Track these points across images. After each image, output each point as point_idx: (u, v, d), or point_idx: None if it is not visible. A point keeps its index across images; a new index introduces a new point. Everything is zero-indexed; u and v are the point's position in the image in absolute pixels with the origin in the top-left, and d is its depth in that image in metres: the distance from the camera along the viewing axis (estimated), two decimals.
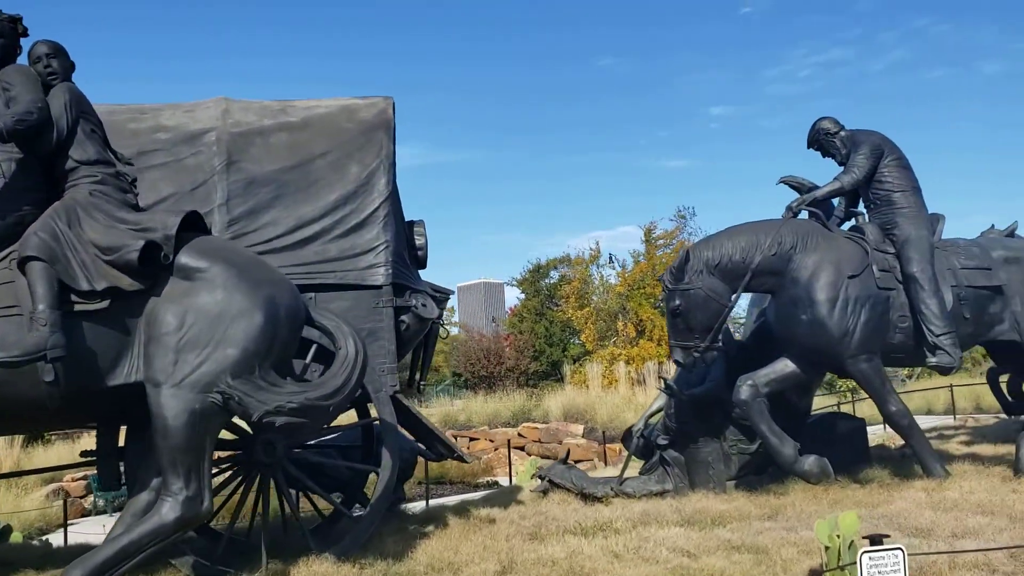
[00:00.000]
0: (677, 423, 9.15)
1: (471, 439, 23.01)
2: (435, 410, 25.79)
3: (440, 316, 7.77)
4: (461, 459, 8.50)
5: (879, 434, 15.93)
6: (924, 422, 19.17)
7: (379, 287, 6.91)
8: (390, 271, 6.94)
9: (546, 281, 44.32)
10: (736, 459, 9.07)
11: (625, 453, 10.29)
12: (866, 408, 23.32)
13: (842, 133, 8.78)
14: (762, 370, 8.26)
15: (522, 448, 21.72)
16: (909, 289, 7.96)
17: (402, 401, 7.10)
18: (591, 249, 39.52)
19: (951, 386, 18.91)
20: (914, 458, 8.28)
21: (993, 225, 10.70)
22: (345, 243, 6.95)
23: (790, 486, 8.29)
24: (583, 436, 21.21)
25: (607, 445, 18.82)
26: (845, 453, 9.67)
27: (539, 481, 9.82)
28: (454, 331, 47.84)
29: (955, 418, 17.80)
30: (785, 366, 8.23)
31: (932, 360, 7.93)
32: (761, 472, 9.15)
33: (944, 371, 7.95)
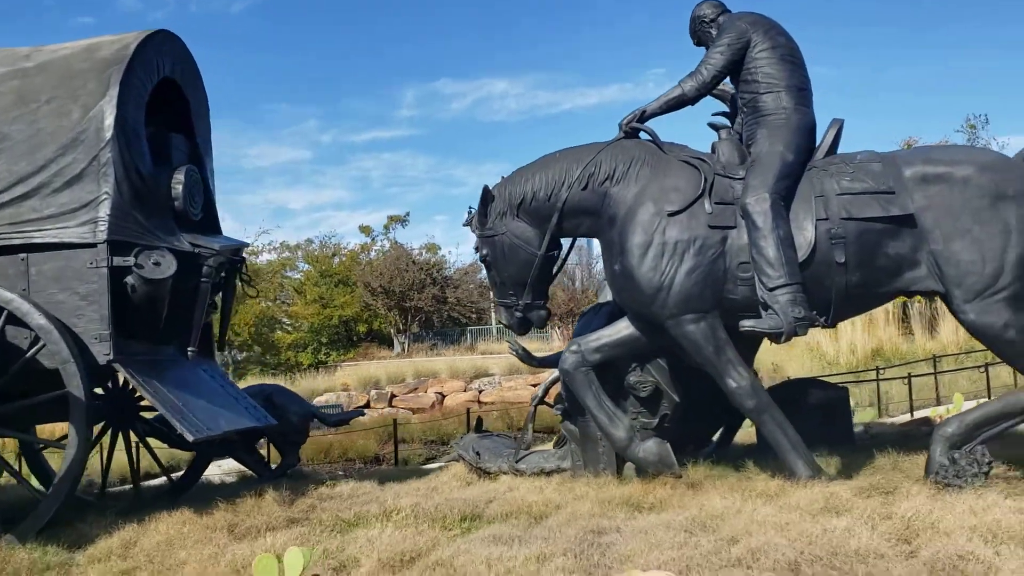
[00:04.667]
0: (566, 391, 7.63)
1: None
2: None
3: (212, 275, 6.95)
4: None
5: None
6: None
7: (93, 245, 6.30)
8: (105, 227, 6.29)
9: None
10: (639, 436, 7.40)
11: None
12: None
13: (720, 19, 6.52)
14: (594, 333, 6.55)
15: None
16: (747, 227, 5.84)
17: (130, 372, 6.42)
18: None
19: None
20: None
21: None
22: (64, 197, 6.43)
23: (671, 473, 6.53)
24: None
25: None
26: (818, 430, 7.60)
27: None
28: None
29: None
30: (623, 328, 6.44)
31: (747, 324, 5.74)
32: (677, 450, 7.41)
33: (773, 338, 5.73)
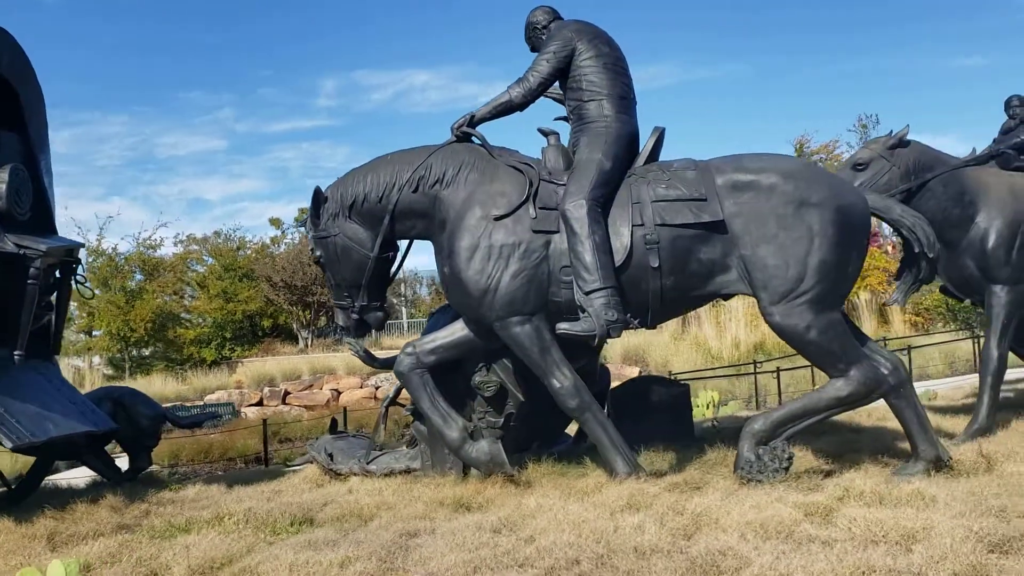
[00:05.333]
0: None
1: None
2: None
3: (40, 277, 6.78)
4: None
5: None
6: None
7: None
8: None
9: None
10: (487, 435, 7.51)
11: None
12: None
13: (552, 26, 6.67)
14: (429, 335, 6.64)
15: None
16: (566, 232, 5.99)
17: None
18: None
19: None
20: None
21: (891, 131, 8.12)
22: None
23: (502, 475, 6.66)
24: None
25: None
26: (663, 426, 7.84)
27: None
28: None
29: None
30: (458, 329, 6.54)
31: (563, 327, 5.92)
32: (523, 449, 7.54)
33: (587, 341, 5.91)
